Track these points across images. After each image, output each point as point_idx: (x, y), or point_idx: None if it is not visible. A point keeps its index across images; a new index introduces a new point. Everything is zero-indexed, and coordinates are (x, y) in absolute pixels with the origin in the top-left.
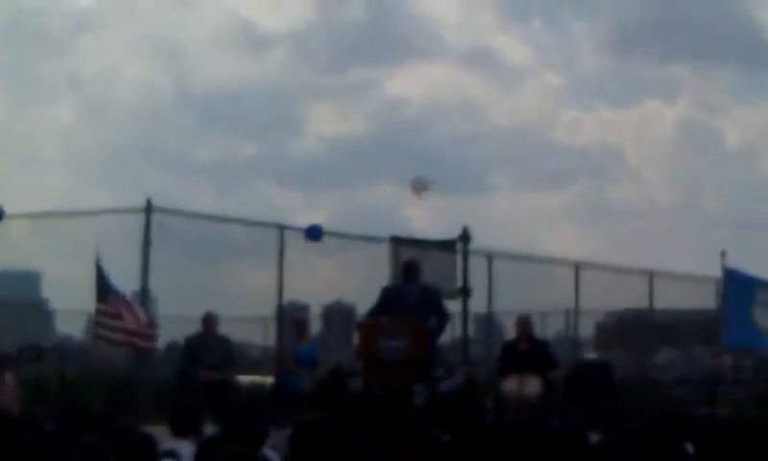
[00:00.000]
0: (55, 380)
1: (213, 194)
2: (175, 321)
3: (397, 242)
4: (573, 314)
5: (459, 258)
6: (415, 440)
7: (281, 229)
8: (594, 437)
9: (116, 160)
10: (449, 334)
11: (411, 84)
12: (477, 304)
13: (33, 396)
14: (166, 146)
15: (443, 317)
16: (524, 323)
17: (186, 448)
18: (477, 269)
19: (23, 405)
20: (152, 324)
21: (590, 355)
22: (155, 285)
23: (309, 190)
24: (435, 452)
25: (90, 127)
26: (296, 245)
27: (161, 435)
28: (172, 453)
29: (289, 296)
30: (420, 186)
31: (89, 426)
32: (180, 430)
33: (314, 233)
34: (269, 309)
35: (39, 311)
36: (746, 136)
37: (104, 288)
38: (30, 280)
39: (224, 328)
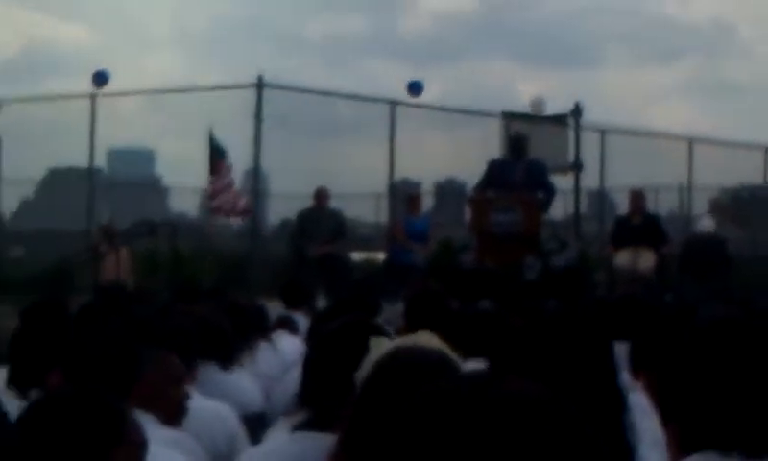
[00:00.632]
0: (168, 256)
1: (323, 70)
2: (287, 198)
3: (509, 117)
4: (686, 190)
5: (571, 133)
6: (528, 308)
7: (393, 104)
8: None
9: (225, 37)
10: (562, 210)
11: None
12: (589, 180)
13: (146, 271)
14: (276, 22)
15: (549, 191)
16: (637, 196)
17: (301, 320)
18: (589, 144)
19: (137, 280)
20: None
21: (706, 225)
22: (266, 163)
23: (419, 66)
24: (547, 319)
25: (199, 2)
26: (407, 121)
27: (274, 310)
28: (288, 320)
29: (400, 173)
30: (537, 107)
31: (202, 299)
32: (292, 303)
33: (415, 88)
34: (380, 186)
35: (154, 188)
36: None
37: (216, 157)
38: (144, 158)
39: (335, 205)
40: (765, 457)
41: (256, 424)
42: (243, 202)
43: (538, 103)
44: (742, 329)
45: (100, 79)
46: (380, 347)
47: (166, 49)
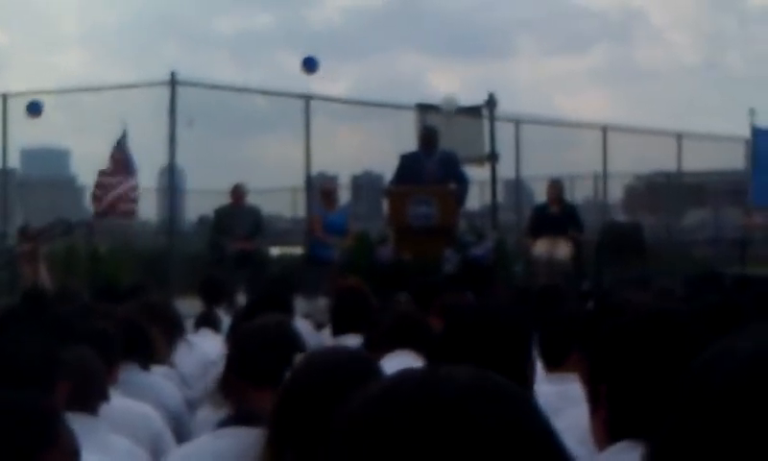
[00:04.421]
0: (85, 255)
1: (235, 66)
2: (204, 195)
3: (423, 109)
4: (602, 178)
5: (486, 124)
6: (446, 303)
7: (307, 98)
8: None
9: (135, 34)
10: (479, 200)
11: None
12: (505, 170)
13: (64, 270)
14: (184, 19)
15: (462, 182)
16: (555, 186)
17: (222, 318)
18: (504, 134)
19: (57, 279)
20: (134, 188)
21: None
22: (182, 159)
23: (330, 59)
24: (465, 314)
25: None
26: (322, 115)
27: (193, 307)
28: (210, 316)
29: (317, 167)
30: (449, 104)
31: (122, 298)
32: (211, 299)
33: (310, 64)
34: (297, 180)
35: (70, 188)
36: None
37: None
38: (59, 157)
39: (252, 200)
40: None
41: (178, 424)
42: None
43: (450, 101)
44: (673, 322)
45: (34, 109)
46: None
47: (76, 47)
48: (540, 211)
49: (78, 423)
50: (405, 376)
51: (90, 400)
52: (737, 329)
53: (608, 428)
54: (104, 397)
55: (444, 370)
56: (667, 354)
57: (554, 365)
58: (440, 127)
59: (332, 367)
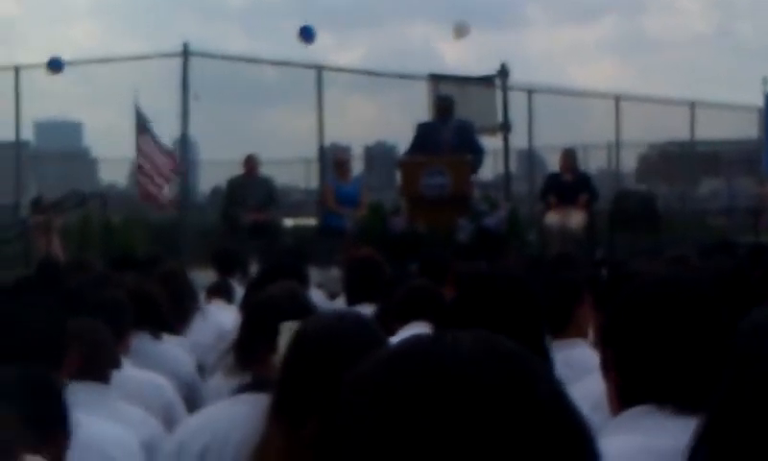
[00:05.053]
0: (99, 226)
1: (247, 37)
2: (217, 166)
3: (436, 79)
4: (615, 147)
5: (498, 94)
6: (459, 272)
7: (319, 69)
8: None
9: (146, 5)
10: (492, 170)
11: None
12: (518, 140)
13: (78, 242)
14: None
15: (478, 152)
16: (568, 155)
17: (235, 288)
18: (517, 104)
19: (70, 251)
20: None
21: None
22: (194, 131)
23: (342, 29)
24: (476, 282)
25: None
26: (334, 86)
27: (207, 278)
28: (223, 285)
29: (330, 138)
30: (461, 31)
31: (137, 268)
32: (225, 269)
33: (307, 34)
34: (310, 152)
35: (83, 160)
36: None
37: (141, 128)
38: (72, 129)
39: (266, 172)
40: (696, 411)
41: (190, 392)
42: (167, 191)
43: (461, 26)
44: (679, 288)
45: (54, 65)
46: (289, 331)
47: (87, 19)
48: (554, 179)
49: (89, 391)
50: (412, 341)
51: (101, 369)
52: (748, 297)
53: (619, 394)
54: (115, 365)
55: (451, 335)
56: (672, 320)
57: (556, 330)
58: (453, 96)
59: (333, 333)
